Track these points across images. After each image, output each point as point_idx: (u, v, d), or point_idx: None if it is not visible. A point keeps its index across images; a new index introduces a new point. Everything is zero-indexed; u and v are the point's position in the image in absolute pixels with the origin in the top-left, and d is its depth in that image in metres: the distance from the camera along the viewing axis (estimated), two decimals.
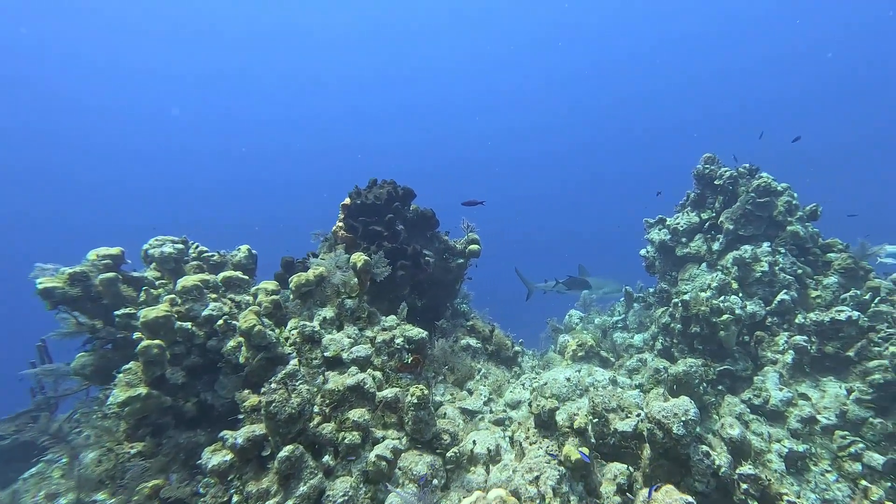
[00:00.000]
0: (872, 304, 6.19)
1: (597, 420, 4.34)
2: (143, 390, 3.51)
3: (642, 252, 8.86)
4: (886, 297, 6.48)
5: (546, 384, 5.56)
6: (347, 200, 5.41)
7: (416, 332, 4.62)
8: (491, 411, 5.20)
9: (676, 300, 6.86)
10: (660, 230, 8.52)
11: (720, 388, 6.11)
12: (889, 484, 4.19)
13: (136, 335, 3.68)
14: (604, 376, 5.74)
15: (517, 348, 6.71)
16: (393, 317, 4.72)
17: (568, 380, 5.50)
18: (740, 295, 6.79)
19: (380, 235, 5.33)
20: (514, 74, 65.54)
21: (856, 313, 5.84)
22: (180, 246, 4.85)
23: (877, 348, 5.62)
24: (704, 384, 5.94)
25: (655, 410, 4.13)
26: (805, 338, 5.96)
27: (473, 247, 6.92)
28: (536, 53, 63.08)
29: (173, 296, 4.05)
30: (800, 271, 6.91)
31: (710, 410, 5.87)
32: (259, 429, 3.07)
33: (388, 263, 5.21)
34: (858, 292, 6.40)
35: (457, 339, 6.41)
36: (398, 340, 4.40)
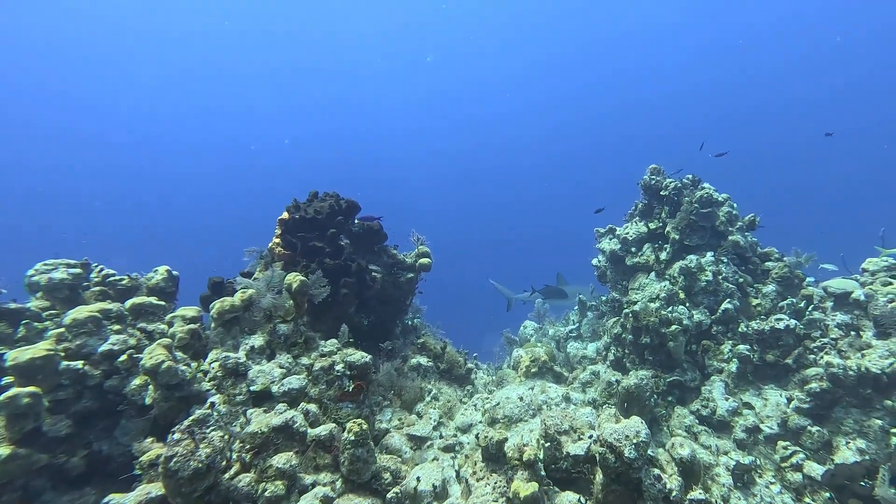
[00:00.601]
0: (807, 312, 6.44)
1: (549, 444, 4.15)
2: (4, 451, 2.91)
3: (594, 261, 8.91)
4: (818, 304, 6.77)
5: (498, 404, 5.34)
6: (285, 215, 4.97)
7: (359, 356, 4.26)
8: (441, 436, 4.91)
9: (627, 310, 6.88)
10: (610, 240, 8.59)
11: (670, 398, 6.14)
12: (828, 495, 4.25)
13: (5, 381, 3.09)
14: (557, 393, 5.59)
15: (470, 365, 6.47)
16: (334, 341, 4.33)
17: (521, 399, 5.30)
18: (687, 305, 6.89)
19: (321, 252, 4.93)
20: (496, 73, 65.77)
21: (793, 321, 6.03)
22: (77, 270, 4.19)
23: (812, 356, 5.82)
24: (655, 396, 5.94)
25: (607, 433, 3.99)
26: (748, 347, 6.09)
27: (424, 260, 6.63)
28: (510, 52, 63.55)
29: (62, 330, 3.47)
30: (741, 280, 7.11)
31: (660, 423, 5.86)
32: (156, 489, 2.60)
33: (329, 282, 4.82)
34: (794, 300, 6.65)
35: (406, 358, 6.09)
36: (338, 367, 4.02)
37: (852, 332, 5.89)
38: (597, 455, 3.94)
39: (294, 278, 4.04)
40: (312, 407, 3.59)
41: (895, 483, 4.04)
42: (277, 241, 4.80)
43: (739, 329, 6.46)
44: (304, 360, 3.91)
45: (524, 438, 4.43)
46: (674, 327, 6.20)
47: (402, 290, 6.46)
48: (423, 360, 6.07)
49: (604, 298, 9.00)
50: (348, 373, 4.01)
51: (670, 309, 6.53)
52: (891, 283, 5.56)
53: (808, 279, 7.25)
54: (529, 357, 6.09)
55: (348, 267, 5.06)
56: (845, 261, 10.78)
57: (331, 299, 4.84)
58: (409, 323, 6.85)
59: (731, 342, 6.53)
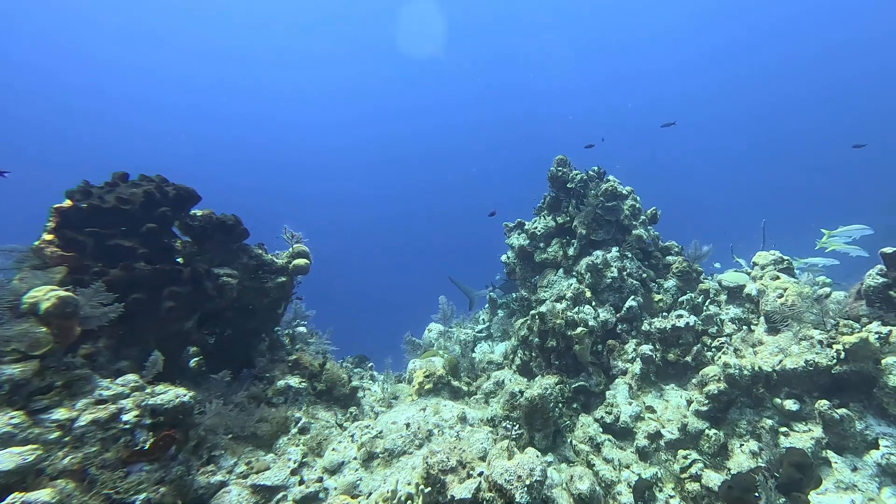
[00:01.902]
0: (704, 307, 6.37)
1: (430, 489, 3.38)
2: None
3: (503, 258, 8.38)
4: (714, 297, 6.77)
5: (380, 434, 4.47)
6: (67, 203, 3.62)
7: (170, 396, 3.13)
8: (302, 481, 3.94)
9: (534, 311, 6.37)
10: (519, 234, 8.10)
11: (575, 406, 5.71)
12: None
13: None
14: (452, 413, 4.86)
15: (355, 383, 5.53)
16: (132, 376, 3.16)
17: (407, 426, 4.49)
18: (593, 303, 6.54)
19: (131, 253, 3.68)
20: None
21: (692, 318, 5.87)
22: None
23: (709, 353, 5.69)
24: (560, 405, 5.46)
25: (497, 472, 3.30)
26: (650, 346, 5.83)
27: (300, 262, 5.55)
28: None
29: None
30: (644, 275, 6.93)
31: (564, 434, 5.39)
32: None
33: (147, 293, 3.60)
34: (692, 295, 6.57)
35: (272, 380, 5.00)
36: (128, 416, 2.88)
37: (745, 327, 5.87)
38: (484, 501, 3.25)
39: (46, 295, 2.79)
40: (66, 484, 2.43)
41: (782, 490, 3.83)
42: (50, 237, 3.45)
43: (643, 327, 6.21)
44: (60, 414, 2.71)
45: (401, 483, 3.61)
46: (580, 330, 5.77)
47: (271, 298, 5.33)
48: (295, 381, 5.03)
49: (514, 296, 8.53)
50: (148, 421, 2.89)
51: (576, 310, 6.11)
52: (779, 278, 5.54)
53: (717, 272, 7.33)
54: (423, 372, 5.30)
55: (177, 272, 3.86)
56: (734, 249, 11.44)
57: (146, 316, 3.63)
58: (282, 336, 5.75)
59: (634, 341, 6.28)
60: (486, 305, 9.64)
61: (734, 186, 55.53)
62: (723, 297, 6.69)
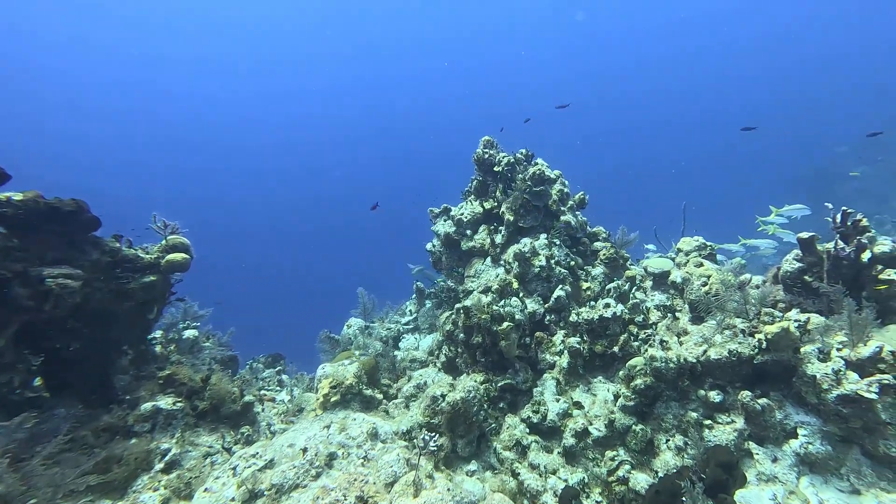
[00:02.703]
0: (631, 294, 6.21)
1: None
2: None
3: (428, 246, 7.79)
4: (640, 283, 6.66)
5: (272, 461, 3.73)
6: None
7: None
8: None
9: (459, 305, 5.86)
10: (445, 221, 7.54)
11: (502, 405, 5.30)
12: None
13: None
14: (361, 429, 4.21)
15: (249, 398, 4.70)
16: None
17: (304, 451, 3.78)
18: (521, 295, 6.15)
19: None
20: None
21: (620, 308, 5.66)
22: None
23: (636, 343, 5.51)
24: (485, 406, 5.02)
25: None
26: (578, 339, 5.55)
27: (176, 256, 4.56)
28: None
29: None
30: (573, 263, 6.66)
31: (489, 439, 4.97)
32: None
33: None
34: (620, 283, 6.40)
35: (136, 403, 4.05)
36: None
37: (669, 315, 5.77)
38: None
39: None
40: None
41: (709, 492, 3.64)
42: None
43: (571, 318, 5.93)
44: None
45: None
46: (506, 325, 5.34)
47: (136, 301, 4.32)
48: (167, 402, 4.12)
49: (441, 284, 8.00)
50: None
51: (503, 303, 5.66)
52: (703, 265, 5.45)
53: (652, 253, 7.25)
54: (330, 382, 4.57)
55: None
56: (657, 233, 11.73)
57: None
58: (153, 347, 4.75)
59: (563, 332, 6.00)
60: (414, 295, 9.05)
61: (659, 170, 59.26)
62: (648, 284, 6.60)
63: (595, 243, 7.15)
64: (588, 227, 7.43)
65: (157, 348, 4.80)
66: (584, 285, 6.56)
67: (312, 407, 4.73)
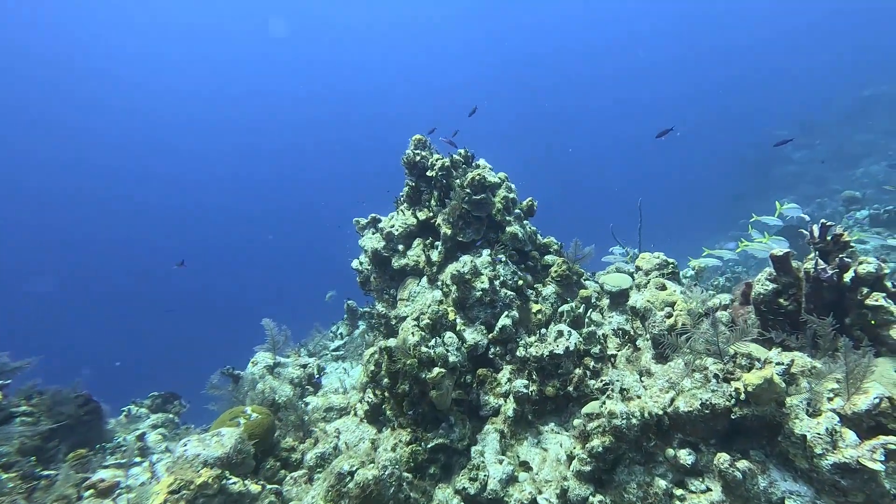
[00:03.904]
0: (586, 319, 5.38)
1: None
2: None
3: (354, 264, 6.66)
4: (595, 302, 5.86)
5: None
6: None
7: None
8: None
9: (382, 344, 4.80)
10: (373, 234, 6.42)
11: (433, 471, 4.31)
12: None
13: None
14: None
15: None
16: None
17: None
18: (459, 328, 5.17)
19: None
20: None
21: (573, 339, 4.79)
22: None
23: (591, 382, 4.67)
24: (409, 482, 4.01)
25: None
26: (525, 382, 4.63)
27: None
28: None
29: None
30: (520, 282, 5.75)
31: None
32: None
33: None
34: (573, 304, 5.54)
35: None
36: None
37: (629, 345, 4.97)
38: None
39: None
40: None
41: None
42: None
43: (518, 352, 5.01)
44: None
45: None
46: (437, 372, 4.33)
47: None
48: None
49: (367, 309, 6.91)
50: None
51: (434, 343, 4.65)
52: (665, 287, 4.65)
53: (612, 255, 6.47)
54: (170, 485, 3.33)
55: None
56: (614, 232, 11.10)
57: None
58: None
59: (510, 367, 5.09)
60: (346, 315, 7.92)
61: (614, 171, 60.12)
62: (605, 302, 5.81)
63: (546, 257, 6.27)
64: (538, 237, 6.55)
65: None
66: (535, 307, 5.67)
67: None
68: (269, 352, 5.98)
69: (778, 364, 3.44)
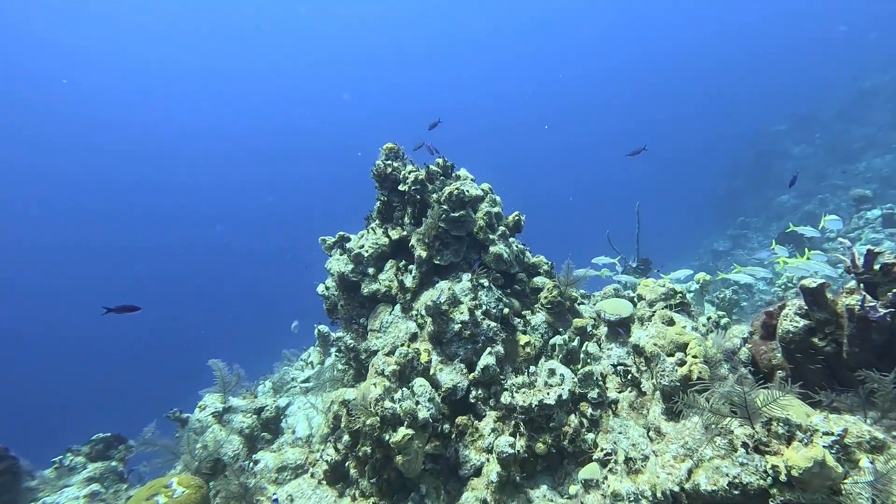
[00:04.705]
0: (582, 354, 4.64)
1: None
2: None
3: (320, 289, 5.89)
4: (591, 331, 5.12)
5: None
6: None
7: None
8: None
9: (340, 396, 4.05)
10: (340, 255, 5.66)
11: None
12: None
13: None
14: None
15: None
16: None
17: None
18: (435, 369, 4.42)
19: None
20: None
21: (567, 385, 4.05)
22: None
23: (589, 435, 3.94)
24: None
25: None
26: (511, 440, 3.88)
27: None
28: None
29: None
30: (506, 311, 5.00)
31: None
32: None
33: None
34: (567, 336, 4.80)
35: None
36: None
37: (632, 387, 4.24)
38: None
39: None
40: None
41: None
42: None
43: (503, 399, 4.26)
44: None
45: None
46: (403, 434, 3.57)
47: None
48: None
49: (340, 334, 6.13)
50: None
51: (400, 395, 3.88)
52: (673, 322, 3.92)
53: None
54: None
55: None
56: (610, 238, 10.36)
57: None
58: None
59: (494, 414, 4.34)
60: (317, 342, 7.15)
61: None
62: (602, 331, 5.07)
63: (535, 279, 5.53)
64: (527, 256, 5.81)
65: None
66: (523, 339, 4.93)
67: None
68: (220, 394, 5.20)
69: (826, 434, 2.71)
